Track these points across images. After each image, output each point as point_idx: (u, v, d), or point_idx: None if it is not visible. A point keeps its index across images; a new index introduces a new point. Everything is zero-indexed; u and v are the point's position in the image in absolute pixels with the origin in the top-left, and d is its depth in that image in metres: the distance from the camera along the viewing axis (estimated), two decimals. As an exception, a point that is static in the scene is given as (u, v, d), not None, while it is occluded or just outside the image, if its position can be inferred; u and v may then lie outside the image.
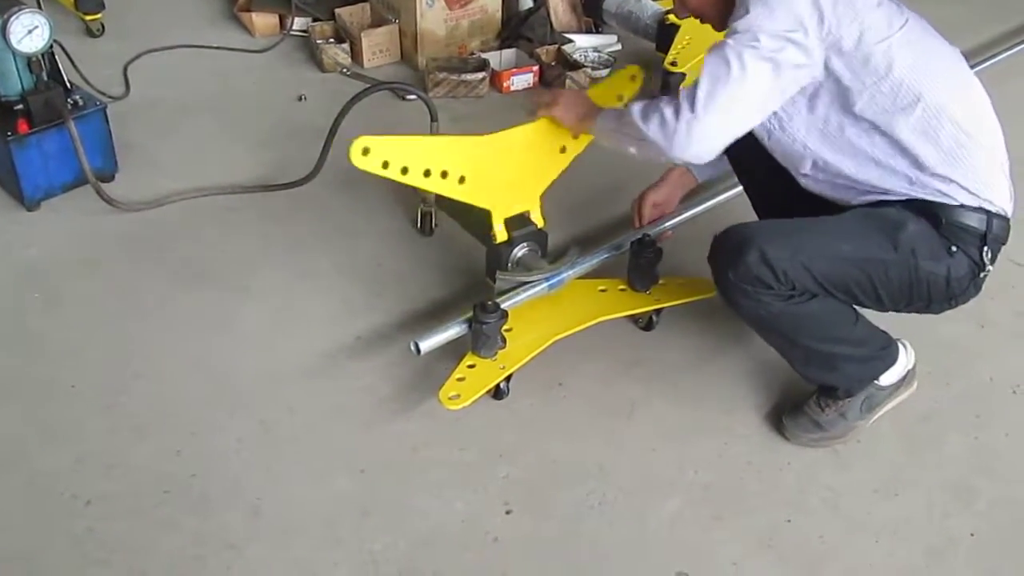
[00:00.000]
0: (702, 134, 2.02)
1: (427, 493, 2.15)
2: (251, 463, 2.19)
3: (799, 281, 2.02)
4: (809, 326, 2.12)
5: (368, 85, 3.02)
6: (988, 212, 2.06)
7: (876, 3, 2.05)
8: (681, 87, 2.09)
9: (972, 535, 2.14)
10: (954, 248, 2.05)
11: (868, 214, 2.09)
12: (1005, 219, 2.11)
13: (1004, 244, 2.13)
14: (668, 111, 2.03)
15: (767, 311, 2.07)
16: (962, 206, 2.04)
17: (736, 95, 1.99)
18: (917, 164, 2.04)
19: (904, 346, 2.32)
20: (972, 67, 3.94)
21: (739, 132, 2.05)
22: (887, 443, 2.34)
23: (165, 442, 2.22)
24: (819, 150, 2.12)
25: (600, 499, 2.16)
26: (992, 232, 2.07)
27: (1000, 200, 2.09)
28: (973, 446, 2.35)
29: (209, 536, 2.03)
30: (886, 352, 2.26)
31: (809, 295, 2.06)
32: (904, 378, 2.33)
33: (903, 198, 2.07)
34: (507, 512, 2.12)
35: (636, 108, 2.12)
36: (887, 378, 2.29)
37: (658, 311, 2.58)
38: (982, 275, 2.12)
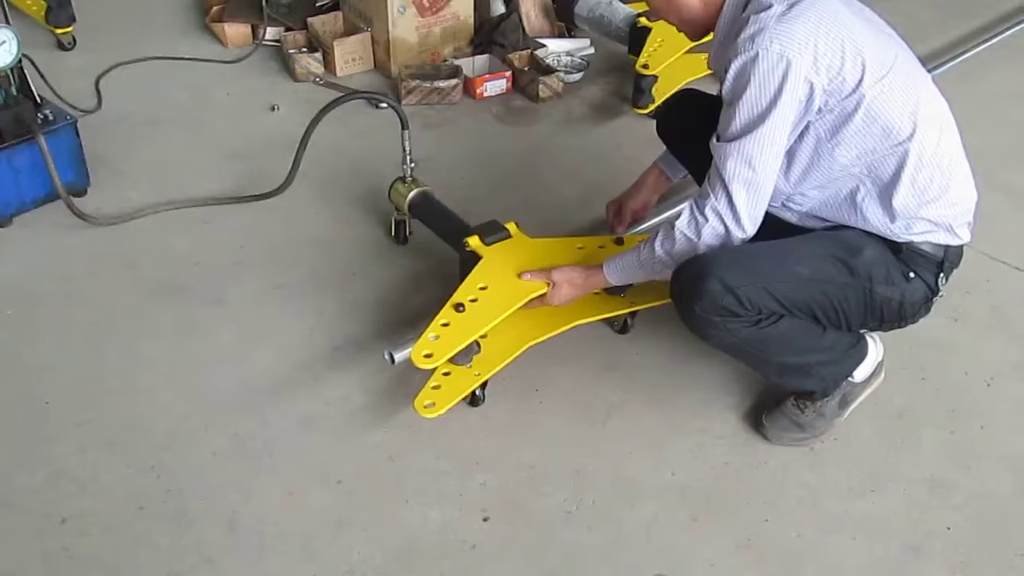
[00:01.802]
0: (754, 224, 2.07)
1: (403, 502, 2.15)
2: (226, 477, 2.18)
3: (764, 305, 2.03)
4: (779, 345, 2.12)
5: (341, 94, 3.02)
6: (947, 244, 2.10)
7: (871, 38, 2.02)
8: (710, 185, 2.08)
9: (949, 529, 2.15)
10: (912, 274, 2.09)
11: (827, 237, 2.11)
12: (960, 245, 2.15)
13: (957, 268, 2.17)
14: (717, 228, 2.06)
15: (737, 337, 2.07)
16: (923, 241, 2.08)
17: (762, 183, 2.02)
18: (891, 212, 2.05)
19: (873, 339, 2.34)
20: (940, 65, 4.02)
21: (769, 191, 2.06)
22: (863, 440, 2.34)
23: (139, 458, 2.21)
24: (796, 186, 2.13)
25: (577, 504, 2.16)
26: (948, 259, 2.12)
27: (961, 232, 2.12)
28: (949, 440, 2.36)
29: (185, 551, 2.02)
30: (856, 349, 2.27)
31: (776, 316, 2.06)
32: (875, 371, 2.35)
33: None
34: (484, 519, 2.12)
35: (679, 241, 2.12)
36: (860, 373, 2.31)
37: (633, 314, 2.58)
38: (934, 299, 2.16)
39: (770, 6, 1.98)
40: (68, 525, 2.06)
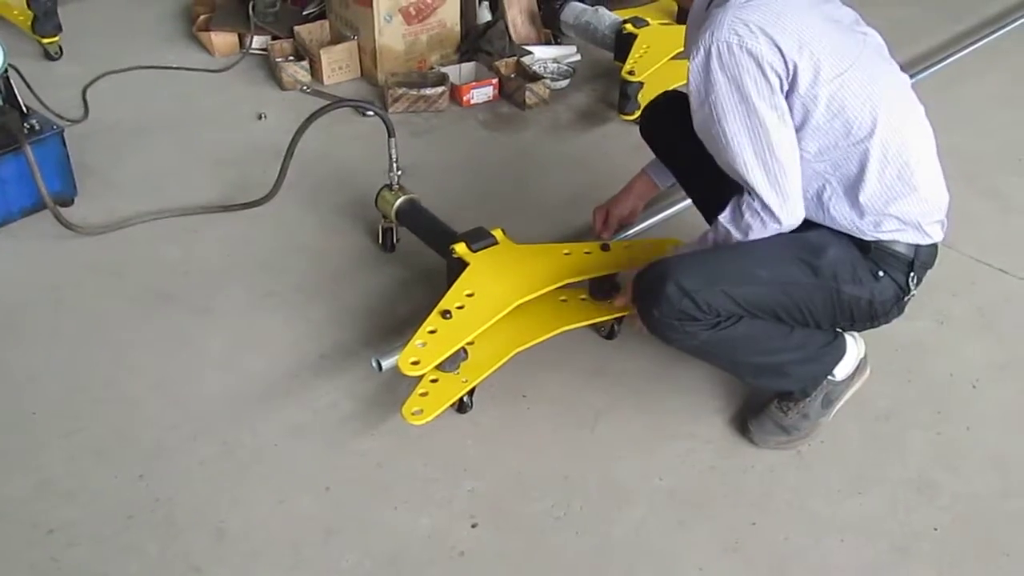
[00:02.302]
0: (794, 212, 2.07)
1: (392, 509, 2.15)
2: (215, 485, 2.18)
3: (723, 308, 2.04)
4: (745, 345, 2.13)
5: (328, 102, 3.03)
6: (917, 243, 2.10)
7: (829, 34, 2.02)
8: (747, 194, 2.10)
9: (935, 530, 2.16)
10: (881, 273, 2.09)
11: (790, 239, 2.11)
12: (934, 245, 2.14)
13: (931, 268, 2.17)
14: (760, 227, 2.08)
15: (698, 340, 2.09)
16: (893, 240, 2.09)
17: (783, 165, 2.02)
18: (859, 209, 2.06)
19: (852, 336, 2.34)
20: (925, 69, 4.04)
21: (798, 167, 2.05)
22: (849, 442, 2.36)
23: (127, 467, 2.21)
24: None
25: (565, 509, 2.16)
26: (920, 259, 2.11)
27: (932, 231, 2.12)
28: (935, 442, 2.37)
29: (174, 560, 2.02)
30: (832, 347, 2.28)
31: (736, 318, 2.07)
32: (858, 367, 2.36)
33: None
34: (473, 526, 2.12)
35: (726, 231, 2.15)
36: (841, 371, 2.31)
37: (619, 320, 2.59)
38: (906, 299, 2.16)
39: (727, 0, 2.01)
40: (56, 535, 2.05)
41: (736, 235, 2.12)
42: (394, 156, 2.73)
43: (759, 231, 2.09)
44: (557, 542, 2.10)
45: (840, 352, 2.29)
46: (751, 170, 2.02)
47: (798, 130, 2.03)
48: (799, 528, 2.15)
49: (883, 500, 2.22)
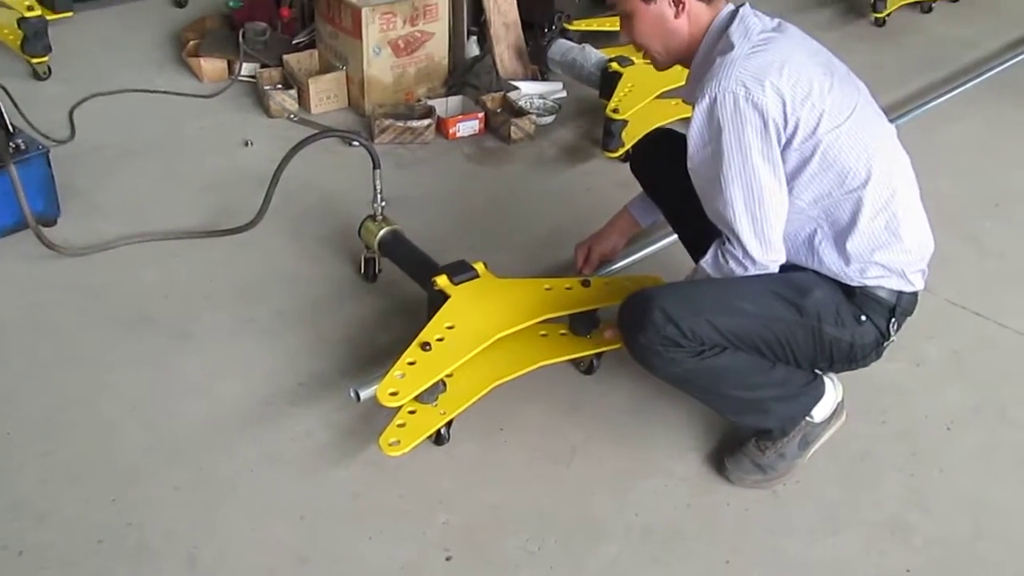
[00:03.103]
0: (774, 259, 2.11)
1: (366, 540, 2.14)
2: (188, 511, 2.17)
3: (707, 336, 2.06)
4: (727, 378, 2.15)
5: (315, 131, 3.05)
6: (900, 290, 2.14)
7: (830, 86, 2.07)
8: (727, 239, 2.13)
9: (908, 572, 2.16)
10: (863, 317, 2.13)
11: (777, 278, 2.14)
12: (915, 293, 2.19)
13: (910, 316, 2.21)
14: (739, 270, 2.12)
15: (682, 368, 2.10)
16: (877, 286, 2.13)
17: (768, 217, 2.05)
18: (845, 256, 2.10)
19: (831, 379, 2.36)
20: (904, 114, 4.11)
21: (783, 220, 2.09)
22: (824, 482, 2.36)
23: (100, 490, 2.19)
24: None
25: (540, 544, 2.16)
26: (901, 306, 2.16)
27: (915, 279, 2.17)
28: (909, 483, 2.38)
29: (144, 586, 2.01)
30: (812, 387, 2.30)
31: (720, 348, 2.09)
32: (835, 411, 2.37)
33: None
34: (447, 559, 2.11)
35: (705, 273, 2.19)
36: (819, 413, 2.33)
37: (599, 355, 2.60)
38: (886, 344, 2.20)
39: (734, 47, 2.05)
40: (26, 557, 2.04)
41: (716, 278, 2.16)
42: (379, 187, 2.74)
43: (740, 275, 2.12)
44: (531, 576, 2.10)
45: (819, 393, 2.31)
46: (739, 219, 2.05)
47: (794, 178, 2.07)
48: (773, 568, 2.15)
49: (857, 541, 2.23)
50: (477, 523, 2.20)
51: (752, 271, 2.11)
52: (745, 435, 2.36)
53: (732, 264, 2.11)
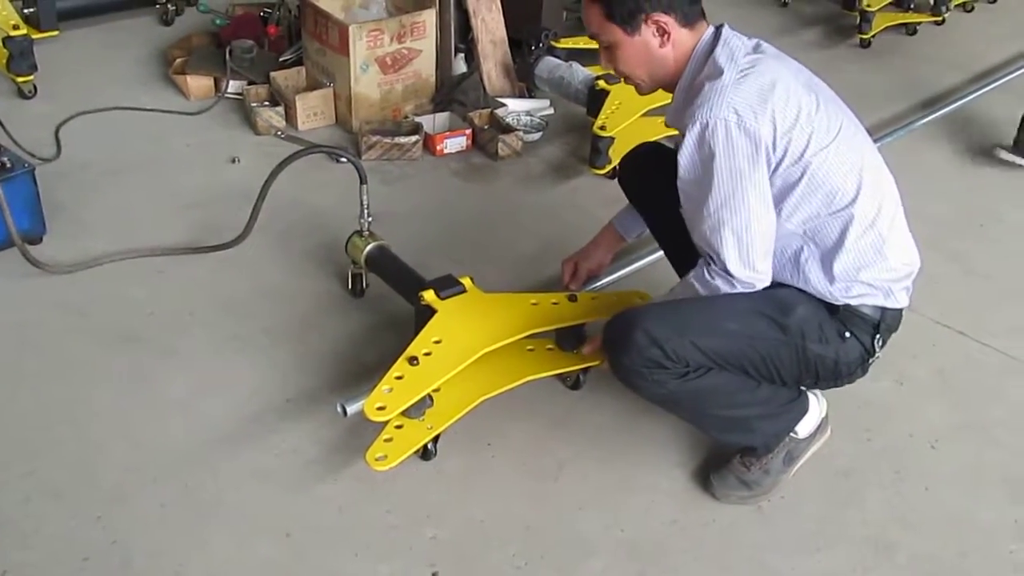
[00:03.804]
0: (761, 279, 2.11)
1: (353, 556, 2.14)
2: (174, 528, 2.16)
3: (691, 358, 2.07)
4: (712, 398, 2.16)
5: (302, 147, 3.05)
6: (884, 307, 2.15)
7: (816, 106, 2.08)
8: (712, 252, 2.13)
9: (892, 589, 2.18)
10: (847, 334, 2.14)
11: (761, 295, 2.15)
12: (899, 310, 2.20)
13: (895, 332, 2.22)
14: (725, 287, 2.12)
15: (666, 389, 2.11)
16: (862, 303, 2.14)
17: (755, 242, 2.06)
18: (831, 275, 2.11)
19: (815, 395, 2.37)
20: (888, 135, 4.14)
21: (770, 244, 2.10)
22: (809, 499, 2.37)
23: (85, 508, 2.18)
24: None
25: (526, 560, 2.16)
26: (885, 322, 2.17)
27: (900, 296, 2.18)
28: (893, 501, 2.39)
29: (129, 604, 2.00)
30: (796, 404, 2.31)
31: (704, 369, 2.10)
32: (819, 426, 2.39)
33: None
34: (433, 574, 2.11)
35: (692, 288, 2.19)
36: (804, 429, 2.34)
37: (585, 370, 2.60)
38: (871, 360, 2.21)
39: (722, 72, 2.04)
40: (9, 577, 2.03)
41: (703, 293, 2.17)
42: (365, 202, 2.75)
43: (727, 292, 2.13)
44: (517, 593, 2.10)
45: (803, 410, 2.32)
46: (725, 243, 2.06)
47: (783, 200, 2.08)
48: (758, 584, 2.16)
49: (842, 557, 2.23)
50: (464, 538, 2.20)
51: (738, 288, 2.12)
52: (730, 452, 2.37)
53: (720, 282, 2.12)
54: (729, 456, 2.36)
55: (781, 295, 2.15)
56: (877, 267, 2.12)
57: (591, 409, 2.58)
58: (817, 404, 2.36)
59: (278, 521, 2.20)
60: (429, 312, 2.45)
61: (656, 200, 2.44)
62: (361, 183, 2.72)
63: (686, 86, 2.17)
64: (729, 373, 2.13)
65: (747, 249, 2.06)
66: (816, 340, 2.12)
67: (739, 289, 2.12)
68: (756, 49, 2.14)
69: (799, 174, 2.05)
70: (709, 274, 2.14)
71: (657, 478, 2.40)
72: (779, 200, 2.08)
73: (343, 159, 3.52)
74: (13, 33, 3.83)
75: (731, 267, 2.07)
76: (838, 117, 2.13)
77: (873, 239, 2.10)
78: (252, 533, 2.17)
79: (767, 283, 2.13)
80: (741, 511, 2.32)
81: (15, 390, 2.50)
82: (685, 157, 2.06)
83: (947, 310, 3.06)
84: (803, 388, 2.32)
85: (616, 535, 2.24)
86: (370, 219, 2.79)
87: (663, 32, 2.12)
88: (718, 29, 2.15)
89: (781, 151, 2.02)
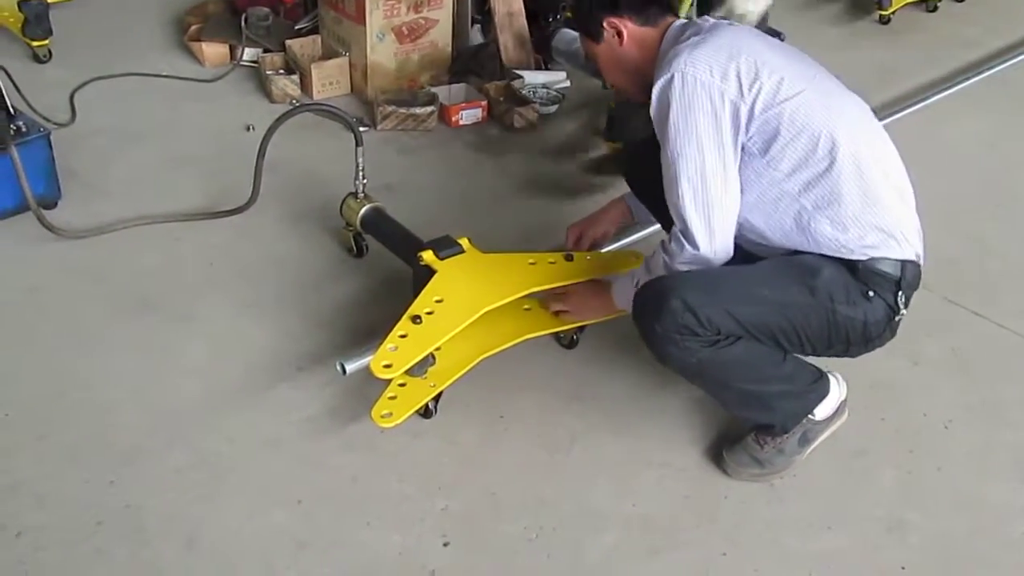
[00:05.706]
0: (719, 244, 2.14)
1: (364, 525, 2.14)
2: (187, 494, 2.17)
3: (724, 326, 2.06)
4: (738, 369, 2.15)
5: (316, 113, 3.04)
6: (902, 260, 2.13)
7: (785, 61, 2.13)
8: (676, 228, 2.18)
9: (903, 568, 2.16)
10: (871, 293, 2.12)
11: (785, 261, 2.16)
12: (917, 265, 2.18)
13: (916, 289, 2.20)
14: (683, 253, 2.15)
15: (696, 358, 2.10)
16: (880, 256, 2.12)
17: (713, 201, 2.10)
18: (840, 223, 2.10)
19: (836, 378, 2.36)
20: (906, 107, 4.09)
21: (734, 214, 2.13)
22: (822, 477, 2.37)
23: (99, 472, 2.20)
24: (742, 214, 2.18)
25: (538, 532, 2.16)
26: (906, 279, 2.15)
27: (913, 239, 2.17)
28: (906, 480, 2.39)
29: (142, 568, 2.01)
30: (818, 385, 2.30)
31: (734, 338, 2.09)
32: (837, 410, 2.37)
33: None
34: (444, 544, 2.12)
35: (658, 265, 2.23)
36: (822, 411, 2.33)
37: (581, 329, 2.62)
38: (897, 319, 2.19)
39: (688, 39, 2.13)
40: (24, 538, 2.04)
41: (664, 258, 2.20)
42: (360, 164, 2.76)
43: (682, 259, 2.16)
44: (529, 564, 2.10)
45: (823, 392, 2.32)
46: (684, 199, 2.10)
47: (767, 149, 2.09)
48: (769, 561, 2.16)
49: (853, 536, 2.23)
50: (476, 510, 2.21)
51: (688, 252, 2.14)
52: (744, 429, 2.36)
53: (674, 245, 2.16)
54: (743, 434, 2.35)
55: (805, 259, 2.14)
56: (879, 208, 2.10)
57: (605, 384, 2.57)
58: (837, 387, 2.35)
59: (291, 489, 2.20)
60: (428, 272, 2.46)
61: (659, 191, 2.43)
62: (356, 145, 2.72)
63: (661, 59, 2.20)
64: (758, 343, 2.12)
65: (704, 207, 2.09)
66: (844, 302, 2.10)
67: (689, 252, 2.13)
68: (718, 24, 2.21)
69: (777, 118, 2.07)
70: (670, 240, 2.17)
71: (670, 453, 2.39)
72: (766, 148, 2.09)
73: (337, 116, 3.48)
74: (29, -3, 3.81)
75: (691, 224, 2.10)
76: (811, 70, 2.18)
77: (869, 185, 2.10)
78: (264, 500, 2.18)
79: (727, 253, 2.16)
80: (753, 488, 2.32)
81: (29, 354, 2.51)
82: (652, 112, 2.13)
83: (962, 290, 3.03)
84: (824, 371, 2.31)
85: (628, 509, 2.24)
86: (364, 181, 2.79)
87: (619, 32, 2.26)
88: (688, 21, 2.21)
89: (751, 98, 2.06)
